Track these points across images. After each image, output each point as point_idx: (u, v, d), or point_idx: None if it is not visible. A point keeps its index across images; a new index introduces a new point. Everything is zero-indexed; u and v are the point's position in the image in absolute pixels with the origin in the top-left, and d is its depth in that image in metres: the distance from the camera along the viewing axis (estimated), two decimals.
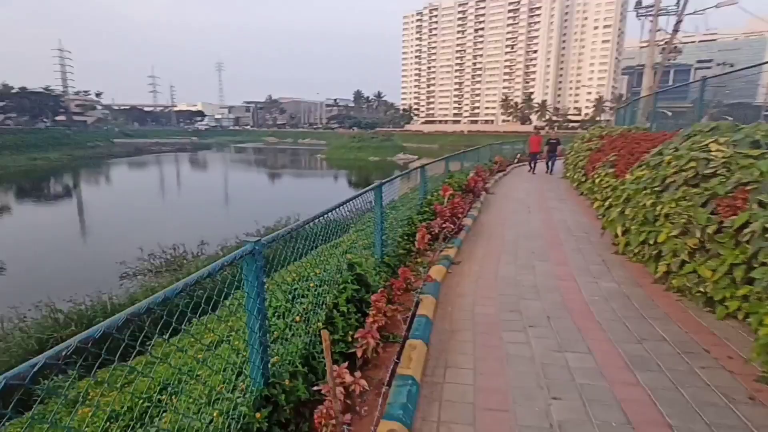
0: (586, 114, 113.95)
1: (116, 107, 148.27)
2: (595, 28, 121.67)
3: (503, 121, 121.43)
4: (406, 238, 5.60)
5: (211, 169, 61.82)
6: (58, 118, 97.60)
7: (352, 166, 58.14)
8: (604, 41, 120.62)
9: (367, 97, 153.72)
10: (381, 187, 4.42)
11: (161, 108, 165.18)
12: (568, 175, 13.56)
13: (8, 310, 10.19)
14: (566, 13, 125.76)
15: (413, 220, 6.03)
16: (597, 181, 8.53)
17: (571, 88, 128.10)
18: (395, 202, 6.89)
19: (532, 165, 16.78)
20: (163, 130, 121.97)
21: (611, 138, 10.57)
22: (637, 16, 21.45)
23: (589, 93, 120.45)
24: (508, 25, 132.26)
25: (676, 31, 17.63)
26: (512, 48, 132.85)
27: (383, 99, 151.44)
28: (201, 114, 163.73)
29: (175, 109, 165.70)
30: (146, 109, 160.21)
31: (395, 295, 3.75)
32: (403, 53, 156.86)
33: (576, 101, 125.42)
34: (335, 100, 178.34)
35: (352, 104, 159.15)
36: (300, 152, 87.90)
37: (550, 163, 16.37)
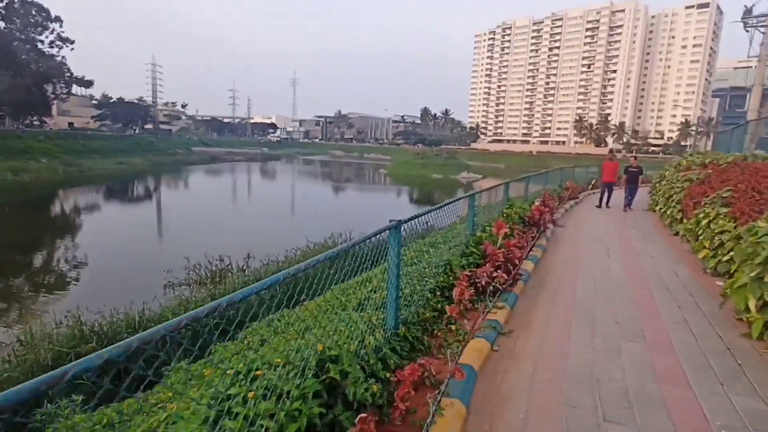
0: (670, 138, 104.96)
1: (199, 118, 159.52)
2: (683, 47, 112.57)
3: (576, 142, 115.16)
4: (438, 292, 4.22)
5: (276, 179, 63.64)
6: (146, 126, 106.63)
7: (414, 183, 57.34)
8: (692, 61, 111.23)
9: (434, 114, 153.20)
10: (399, 228, 3.11)
11: (239, 120, 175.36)
12: (657, 208, 11.37)
13: (50, 315, 10.13)
14: (650, 32, 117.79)
15: (452, 266, 4.63)
16: (703, 221, 6.59)
17: (653, 110, 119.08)
18: (435, 236, 5.52)
19: (605, 198, 13.20)
20: (238, 141, 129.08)
21: (719, 167, 8.46)
22: (745, 27, 18.52)
23: (674, 116, 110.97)
24: (586, 43, 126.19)
25: None
26: (589, 67, 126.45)
27: (450, 116, 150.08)
28: (273, 126, 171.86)
29: (251, 121, 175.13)
30: (225, 120, 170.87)
31: (401, 399, 2.40)
32: (473, 71, 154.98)
33: (658, 124, 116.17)
34: (402, 116, 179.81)
35: (419, 121, 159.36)
36: (365, 166, 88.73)
37: (629, 197, 12.75)
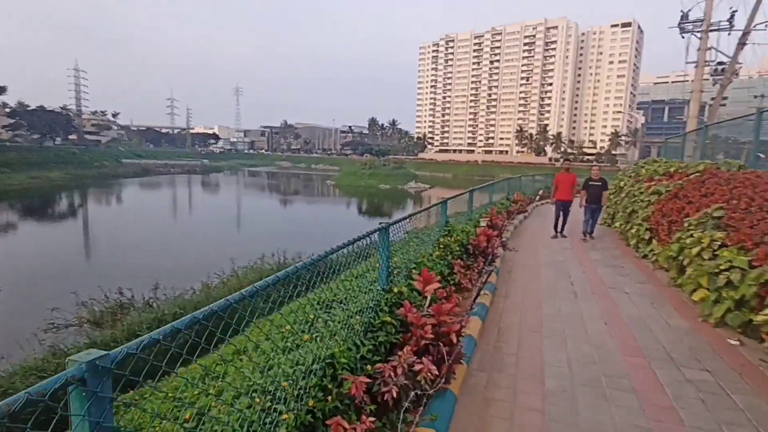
0: (602, 147, 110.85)
1: (134, 128, 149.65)
2: (611, 62, 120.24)
3: (518, 152, 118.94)
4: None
5: (215, 192, 59.56)
6: (70, 137, 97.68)
7: (362, 194, 55.75)
8: (619, 75, 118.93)
9: (382, 125, 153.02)
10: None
11: (178, 130, 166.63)
12: (616, 225, 10.05)
13: None
14: (581, 48, 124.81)
15: (337, 366, 2.63)
16: (692, 250, 5.05)
17: (586, 121, 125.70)
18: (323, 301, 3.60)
19: (559, 223, 9.98)
20: (175, 152, 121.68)
21: (690, 178, 7.14)
22: (681, 33, 18.29)
23: (605, 126, 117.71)
24: (524, 57, 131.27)
25: (743, 44, 14.31)
26: (527, 80, 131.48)
27: (398, 127, 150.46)
28: (215, 137, 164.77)
29: (192, 131, 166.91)
30: (163, 130, 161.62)
31: None
32: (419, 82, 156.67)
33: (591, 134, 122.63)
34: (350, 126, 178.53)
35: (367, 131, 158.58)
36: (313, 177, 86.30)
37: (590, 221, 9.67)
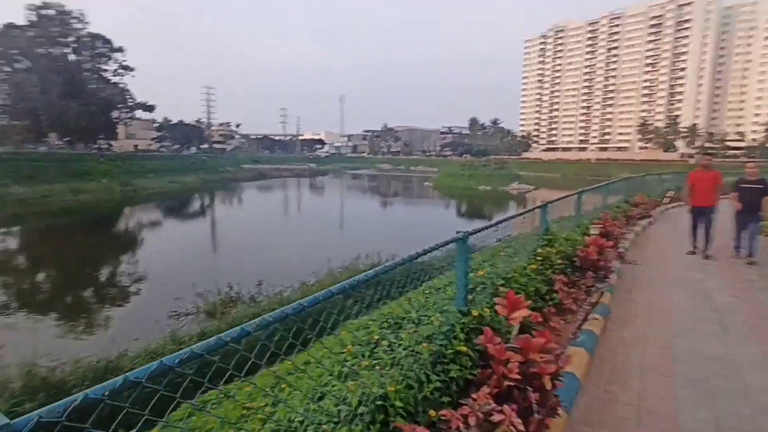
0: (753, 140, 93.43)
1: (252, 137, 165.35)
2: (767, 36, 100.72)
3: (640, 148, 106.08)
4: None
5: (321, 194, 62.93)
6: (202, 146, 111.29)
7: (461, 195, 54.35)
8: None
9: (483, 124, 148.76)
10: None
11: (289, 137, 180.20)
12: None
13: None
14: (726, 24, 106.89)
15: (391, 408, 2.12)
16: None
17: (731, 109, 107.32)
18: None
19: (697, 235, 7.79)
20: (286, 157, 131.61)
21: None
22: None
23: (757, 114, 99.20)
24: (649, 41, 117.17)
25: None
26: (653, 66, 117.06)
27: (499, 126, 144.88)
28: (321, 142, 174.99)
29: (300, 137, 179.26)
30: (276, 138, 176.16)
31: None
32: (524, 78, 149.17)
33: (738, 125, 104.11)
34: (449, 127, 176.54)
35: (467, 131, 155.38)
36: (412, 179, 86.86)
37: (745, 235, 7.26)
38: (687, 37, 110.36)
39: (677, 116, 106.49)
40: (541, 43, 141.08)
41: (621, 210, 10.69)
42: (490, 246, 4.78)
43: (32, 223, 31.96)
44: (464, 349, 2.66)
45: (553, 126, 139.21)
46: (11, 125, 55.91)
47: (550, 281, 4.39)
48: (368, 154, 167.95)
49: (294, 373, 3.66)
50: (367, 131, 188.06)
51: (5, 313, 12.87)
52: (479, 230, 3.15)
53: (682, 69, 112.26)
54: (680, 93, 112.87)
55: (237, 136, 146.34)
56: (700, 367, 3.48)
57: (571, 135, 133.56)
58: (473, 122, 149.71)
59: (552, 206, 6.59)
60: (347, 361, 2.88)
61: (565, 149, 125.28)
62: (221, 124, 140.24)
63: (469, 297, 3.12)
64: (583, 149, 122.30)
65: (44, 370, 6.54)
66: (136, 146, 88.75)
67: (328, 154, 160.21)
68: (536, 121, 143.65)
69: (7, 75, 53.72)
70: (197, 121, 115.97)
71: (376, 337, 2.97)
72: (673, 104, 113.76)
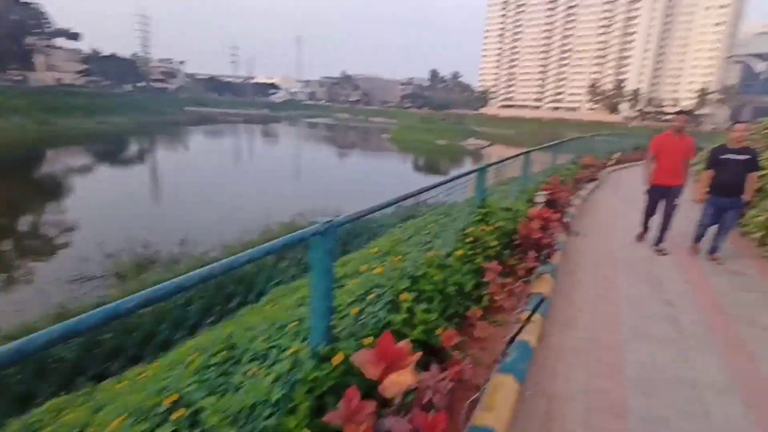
0: (684, 106, 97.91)
1: (199, 77, 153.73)
2: (707, 8, 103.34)
3: (589, 109, 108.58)
4: None
5: (273, 143, 59.55)
6: (139, 84, 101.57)
7: (418, 149, 53.66)
8: (716, 23, 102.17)
9: (443, 77, 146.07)
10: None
11: (240, 79, 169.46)
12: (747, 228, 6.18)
13: None
14: None
15: None
16: None
17: (670, 77, 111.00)
18: None
19: (654, 219, 5.98)
20: (236, 101, 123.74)
21: None
22: None
23: (691, 83, 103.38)
24: (606, 2, 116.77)
25: None
26: (607, 29, 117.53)
27: (459, 80, 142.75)
28: (275, 87, 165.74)
29: (253, 80, 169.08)
30: (225, 79, 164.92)
31: None
32: (486, 31, 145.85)
33: (674, 91, 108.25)
34: (410, 78, 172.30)
35: (428, 84, 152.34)
36: (370, 130, 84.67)
37: (712, 227, 5.39)
38: (639, 0, 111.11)
39: (623, 80, 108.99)
40: None
41: (570, 172, 10.00)
42: (408, 225, 3.72)
43: None
44: None
45: (511, 82, 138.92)
46: None
47: (481, 270, 3.41)
48: (326, 102, 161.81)
49: None
50: (325, 78, 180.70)
51: None
52: (351, 219, 2.00)
53: (633, 33, 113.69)
54: (628, 57, 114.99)
55: (181, 75, 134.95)
56: (656, 395, 2.66)
57: (527, 92, 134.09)
58: (434, 75, 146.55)
59: (499, 168, 5.60)
60: None
61: (520, 106, 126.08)
62: (161, 60, 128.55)
63: (338, 325, 2.02)
64: (537, 108, 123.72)
65: None
66: (59, 80, 79.18)
67: (283, 100, 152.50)
68: (495, 76, 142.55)
69: None
70: (133, 56, 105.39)
71: (175, 396, 1.83)
72: (622, 68, 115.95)
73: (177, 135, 59.33)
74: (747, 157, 4.88)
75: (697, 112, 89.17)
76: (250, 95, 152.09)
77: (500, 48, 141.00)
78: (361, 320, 2.24)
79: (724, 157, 5.00)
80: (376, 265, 2.75)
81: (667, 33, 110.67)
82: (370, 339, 2.02)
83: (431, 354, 2.59)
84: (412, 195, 2.79)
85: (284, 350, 1.99)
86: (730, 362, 3.04)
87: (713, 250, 5.31)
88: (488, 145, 60.37)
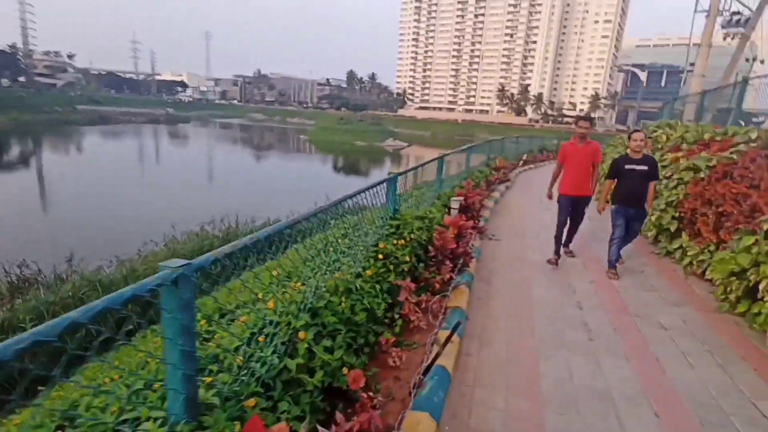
0: (581, 110, 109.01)
1: (93, 72, 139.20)
2: (596, 21, 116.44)
3: (498, 111, 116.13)
4: None
5: (181, 145, 55.29)
6: (19, 78, 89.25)
7: (337, 150, 53.14)
8: (603, 36, 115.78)
9: (361, 78, 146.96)
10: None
11: (143, 76, 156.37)
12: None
13: None
14: (568, 5, 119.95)
15: None
16: None
17: (567, 82, 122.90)
18: None
19: (564, 234, 5.61)
20: (139, 100, 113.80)
21: (753, 151, 5.07)
22: None
23: (585, 89, 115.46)
24: (509, 12, 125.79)
25: None
26: (512, 36, 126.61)
27: (377, 81, 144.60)
28: (183, 84, 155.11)
29: (158, 77, 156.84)
30: (126, 75, 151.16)
31: None
32: (401, 34, 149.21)
33: (572, 96, 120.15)
34: (328, 79, 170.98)
35: (345, 85, 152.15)
36: (288, 131, 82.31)
37: (623, 237, 5.11)
38: (539, 13, 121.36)
39: (528, 84, 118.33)
40: (417, 1, 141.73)
41: (483, 175, 10.26)
42: (315, 239, 3.35)
43: None
44: None
45: (427, 85, 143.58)
46: None
47: (394, 289, 3.13)
48: (239, 101, 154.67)
49: None
50: (237, 76, 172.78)
51: None
52: (215, 259, 1.57)
53: (534, 42, 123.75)
54: (531, 64, 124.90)
55: (71, 70, 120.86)
56: (573, 411, 2.57)
57: (442, 95, 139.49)
58: (351, 76, 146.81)
59: (416, 172, 5.41)
60: None
61: (436, 108, 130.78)
62: (46, 53, 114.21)
63: (218, 380, 1.60)
64: (452, 110, 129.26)
65: None
66: None
67: (191, 99, 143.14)
68: (411, 78, 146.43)
69: None
70: (11, 47, 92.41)
71: None
72: (525, 73, 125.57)
73: (68, 136, 52.91)
74: (646, 167, 4.81)
75: (592, 116, 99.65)
76: (154, 93, 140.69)
77: (415, 52, 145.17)
78: (245, 372, 1.83)
79: (628, 167, 4.86)
80: (273, 293, 2.34)
81: (563, 43, 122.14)
82: (253, 401, 1.62)
83: (337, 397, 2.25)
84: (303, 218, 2.41)
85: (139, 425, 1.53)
86: (637, 368, 3.08)
87: (615, 261, 5.06)
88: (407, 146, 61.69)
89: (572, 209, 5.42)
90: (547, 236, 5.78)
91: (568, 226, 5.54)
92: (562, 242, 5.56)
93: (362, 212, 3.44)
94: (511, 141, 16.85)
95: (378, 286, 2.97)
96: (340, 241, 3.20)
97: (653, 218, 5.81)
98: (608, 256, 5.08)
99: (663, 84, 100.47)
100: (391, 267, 3.24)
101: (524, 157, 16.71)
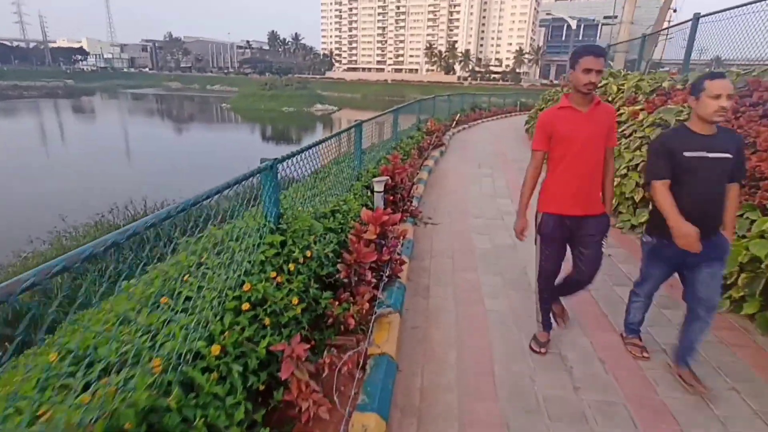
0: (507, 66, 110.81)
1: None
2: None
3: (427, 70, 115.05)
4: None
5: (86, 121, 48.33)
6: None
7: (263, 118, 49.87)
8: None
9: (284, 40, 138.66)
10: None
11: (34, 44, 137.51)
12: None
13: None
14: None
15: None
16: None
17: (493, 38, 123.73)
18: None
19: (551, 302, 2.77)
20: (30, 71, 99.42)
21: None
22: None
23: (510, 44, 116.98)
24: None
25: None
26: None
27: (302, 42, 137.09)
28: (83, 52, 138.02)
29: (52, 45, 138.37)
30: (13, 44, 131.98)
31: None
32: None
33: (497, 52, 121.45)
34: (248, 42, 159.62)
35: (267, 47, 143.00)
36: (209, 100, 75.83)
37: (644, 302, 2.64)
38: None
39: (455, 42, 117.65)
40: None
41: (414, 141, 9.07)
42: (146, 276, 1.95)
43: None
44: None
45: (354, 45, 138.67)
46: None
47: (268, 362, 1.85)
48: (151, 69, 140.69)
49: None
50: (147, 41, 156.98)
51: None
52: None
53: None
54: (457, 20, 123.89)
55: None
56: None
57: (370, 55, 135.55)
58: (273, 37, 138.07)
59: (326, 145, 4.03)
60: None
61: (365, 69, 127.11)
62: None
63: None
64: (381, 70, 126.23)
65: None
66: None
67: (95, 69, 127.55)
68: (338, 38, 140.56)
69: None
70: None
71: None
72: (452, 30, 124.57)
73: None
74: (728, 153, 1.97)
75: (518, 70, 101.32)
76: (49, 63, 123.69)
77: (339, 9, 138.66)
78: None
79: (693, 155, 2.04)
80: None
81: None
82: None
83: None
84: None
85: None
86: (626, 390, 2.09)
87: (686, 357, 2.43)
88: (337, 110, 59.26)
89: (571, 242, 2.55)
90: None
91: (563, 276, 2.70)
92: (550, 304, 2.80)
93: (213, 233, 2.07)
94: (442, 100, 15.74)
95: (236, 368, 1.68)
96: (186, 280, 1.84)
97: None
98: (626, 317, 2.78)
99: (580, 38, 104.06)
100: (267, 319, 1.95)
101: (457, 116, 15.74)
